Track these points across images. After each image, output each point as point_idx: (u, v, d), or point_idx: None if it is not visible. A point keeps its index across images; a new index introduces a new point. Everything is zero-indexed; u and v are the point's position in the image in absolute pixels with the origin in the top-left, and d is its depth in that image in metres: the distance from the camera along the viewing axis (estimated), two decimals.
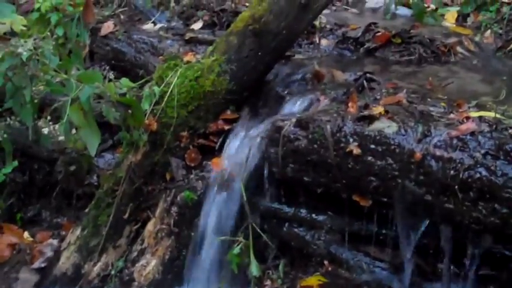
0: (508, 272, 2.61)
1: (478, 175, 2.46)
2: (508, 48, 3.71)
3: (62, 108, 2.68)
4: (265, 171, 2.94)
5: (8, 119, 3.52)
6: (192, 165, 3.12)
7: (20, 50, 2.63)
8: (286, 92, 3.16)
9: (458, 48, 3.63)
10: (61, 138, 3.34)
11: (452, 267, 2.68)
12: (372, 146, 2.66)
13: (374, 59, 3.59)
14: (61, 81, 2.76)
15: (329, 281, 2.79)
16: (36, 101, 2.71)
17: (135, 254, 3.10)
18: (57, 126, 3.33)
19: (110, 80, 3.30)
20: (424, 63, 3.50)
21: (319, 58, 3.54)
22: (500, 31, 3.91)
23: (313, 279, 2.80)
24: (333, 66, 3.35)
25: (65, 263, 3.16)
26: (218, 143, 3.12)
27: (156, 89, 3.13)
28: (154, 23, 4.23)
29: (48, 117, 3.31)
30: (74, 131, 2.87)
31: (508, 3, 4.05)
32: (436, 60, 3.53)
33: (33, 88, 2.66)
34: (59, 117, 2.79)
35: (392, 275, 2.78)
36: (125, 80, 2.91)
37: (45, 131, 3.36)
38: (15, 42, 2.71)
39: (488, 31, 3.92)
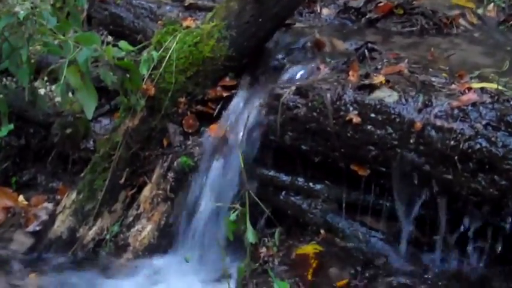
0: (504, 244, 2.60)
1: (478, 146, 2.44)
2: (511, 22, 3.67)
3: (59, 69, 2.64)
4: (263, 139, 2.91)
5: (5, 79, 3.48)
6: (190, 131, 3.10)
7: (17, 9, 2.58)
8: (286, 60, 3.14)
9: (461, 21, 3.61)
10: (57, 99, 3.30)
11: (448, 238, 2.67)
12: (372, 115, 2.64)
13: (375, 29, 3.56)
14: (58, 43, 2.72)
15: (325, 250, 2.77)
16: (32, 61, 2.67)
17: (130, 219, 3.08)
18: (53, 87, 3.28)
19: (108, 44, 3.27)
20: (425, 34, 3.48)
21: (319, 27, 3.51)
22: (503, 5, 3.87)
23: (309, 248, 2.79)
24: (334, 36, 3.32)
25: (60, 226, 3.15)
26: (216, 110, 3.09)
27: (154, 53, 3.09)
28: None
29: (45, 78, 3.26)
30: (70, 94, 2.84)
31: None
32: (438, 32, 3.51)
33: (30, 48, 2.62)
34: (56, 79, 2.75)
35: (389, 245, 2.77)
36: (123, 43, 2.87)
37: (42, 92, 3.32)
38: (12, 1, 2.66)
39: (491, 4, 3.88)
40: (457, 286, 2.62)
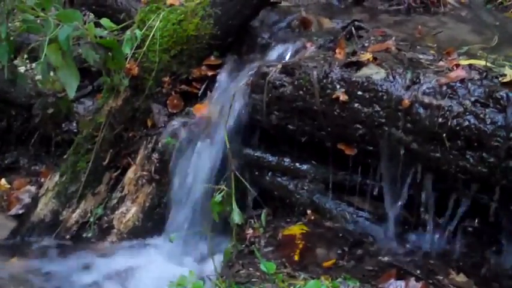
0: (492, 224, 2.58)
1: (466, 123, 2.41)
2: (498, 1, 3.65)
3: (40, 47, 2.58)
4: (249, 119, 2.87)
5: None
6: (174, 111, 3.05)
7: None
8: (272, 39, 3.09)
9: (448, 0, 3.57)
10: (38, 77, 3.23)
11: (436, 218, 2.65)
12: (359, 93, 2.60)
13: (362, 8, 3.53)
14: (39, 21, 2.65)
15: (311, 230, 2.74)
16: (12, 38, 2.60)
17: (114, 201, 3.04)
18: (34, 65, 3.22)
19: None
20: (413, 13, 3.46)
21: (306, 6, 3.45)
22: None
23: (296, 228, 2.75)
24: (321, 14, 3.28)
25: (43, 209, 3.10)
26: (201, 90, 3.05)
27: (137, 32, 3.04)
28: None
29: (25, 56, 3.20)
30: (52, 73, 2.77)
31: None
32: (426, 10, 3.48)
33: (10, 25, 2.55)
34: (36, 57, 2.69)
35: (376, 225, 2.74)
36: (105, 21, 2.81)
37: (22, 70, 3.25)
38: None
39: None
40: (445, 266, 2.59)
